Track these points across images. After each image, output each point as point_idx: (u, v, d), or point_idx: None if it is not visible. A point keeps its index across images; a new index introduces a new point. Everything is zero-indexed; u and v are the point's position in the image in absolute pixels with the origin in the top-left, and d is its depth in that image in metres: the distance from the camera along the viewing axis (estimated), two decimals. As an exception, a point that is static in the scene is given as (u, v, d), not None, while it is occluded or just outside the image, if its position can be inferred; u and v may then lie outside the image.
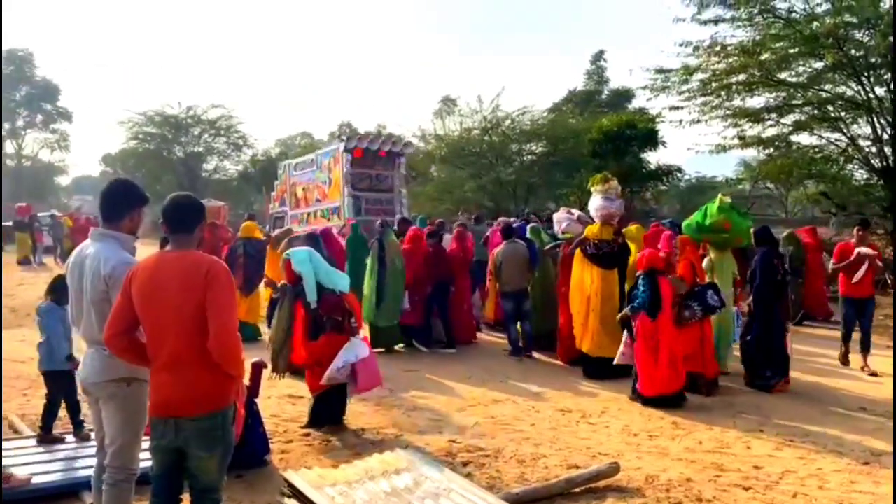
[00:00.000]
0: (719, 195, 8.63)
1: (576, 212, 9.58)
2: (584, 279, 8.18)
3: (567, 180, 23.07)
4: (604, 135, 20.10)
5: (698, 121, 17.40)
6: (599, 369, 7.90)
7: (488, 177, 23.44)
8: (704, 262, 7.95)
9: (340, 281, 5.99)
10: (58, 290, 5.27)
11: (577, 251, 8.29)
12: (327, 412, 6.00)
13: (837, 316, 12.19)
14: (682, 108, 17.47)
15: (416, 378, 8.05)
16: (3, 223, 26.21)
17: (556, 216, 9.75)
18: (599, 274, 8.09)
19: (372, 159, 16.17)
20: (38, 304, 5.71)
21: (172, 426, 3.04)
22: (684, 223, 8.47)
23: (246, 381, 3.78)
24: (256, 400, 5.16)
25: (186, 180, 38.20)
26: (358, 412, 6.37)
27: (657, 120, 20.06)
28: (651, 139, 20.23)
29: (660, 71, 17.53)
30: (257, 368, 5.11)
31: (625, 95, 35.22)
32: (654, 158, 21.44)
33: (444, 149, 24.43)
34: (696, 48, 16.41)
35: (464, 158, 24.10)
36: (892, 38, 13.77)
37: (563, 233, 9.27)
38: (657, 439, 5.86)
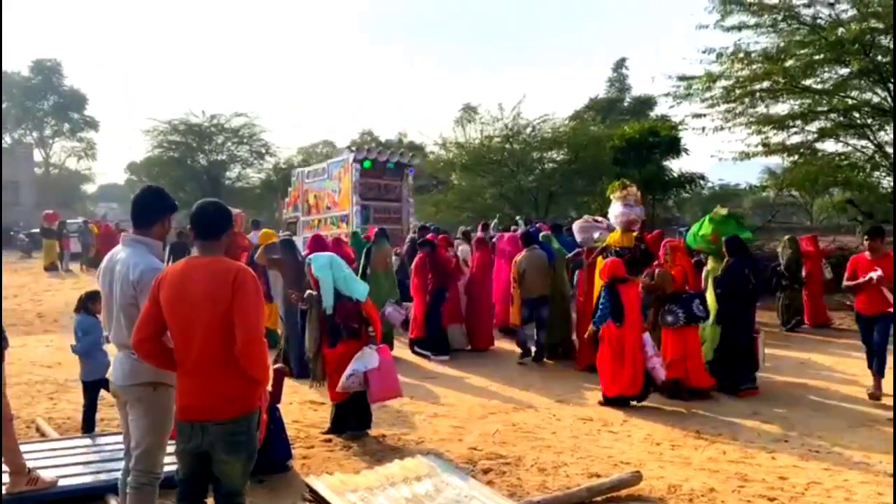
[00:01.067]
0: (717, 207, 8.83)
1: (604, 220, 9.52)
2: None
3: (589, 188, 22.95)
4: (626, 142, 20.00)
5: (721, 128, 17.26)
6: None
7: (509, 185, 23.41)
8: (704, 270, 8.15)
9: (358, 288, 5.99)
10: (93, 299, 5.66)
11: (599, 258, 8.35)
12: (349, 419, 6.03)
13: (838, 324, 12.51)
14: (704, 115, 17.33)
15: (437, 386, 8.06)
16: (32, 230, 26.76)
17: (578, 224, 9.75)
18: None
19: (381, 170, 16.89)
20: (77, 318, 5.97)
21: (199, 430, 3.08)
22: (689, 234, 8.79)
23: (268, 386, 3.81)
24: (279, 405, 5.21)
25: (210, 188, 38.51)
26: (379, 419, 6.39)
27: (680, 127, 19.92)
28: (673, 146, 20.09)
29: (682, 78, 17.43)
30: (279, 374, 5.16)
31: (647, 103, 35.06)
32: (676, 166, 21.28)
33: (465, 157, 24.41)
34: (720, 55, 16.29)
35: (484, 166, 24.06)
36: (892, 38, 13.66)
37: (595, 243, 9.15)
38: (680, 449, 5.82)
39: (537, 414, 6.90)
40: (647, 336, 7.21)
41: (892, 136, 15.71)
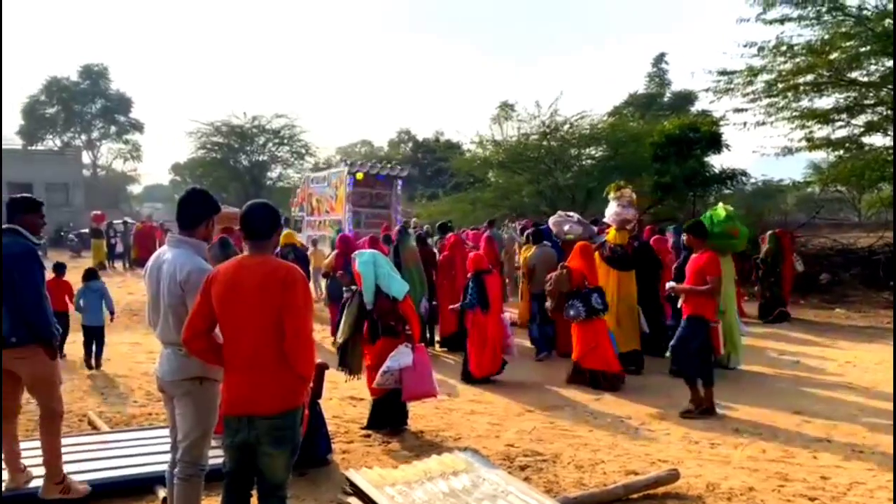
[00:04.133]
0: (720, 204, 9.21)
1: (574, 214, 10.52)
2: (602, 281, 8.60)
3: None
4: (665, 138, 19.76)
5: (764, 123, 17.00)
6: None
7: (546, 182, 23.29)
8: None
9: (396, 286, 6.06)
10: (91, 274, 8.94)
11: (596, 254, 8.82)
12: (387, 415, 6.12)
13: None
14: (746, 110, 17.10)
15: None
16: (81, 231, 27.59)
17: (552, 220, 10.50)
18: (616, 275, 8.78)
19: (372, 181, 19.06)
20: (82, 288, 8.76)
21: (246, 424, 3.17)
22: (685, 227, 8.75)
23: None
24: (319, 401, 5.32)
25: (252, 188, 39.22)
26: (417, 415, 6.48)
27: (721, 123, 19.63)
28: (714, 142, 19.77)
29: (723, 73, 17.20)
30: (320, 370, 5.26)
31: (687, 98, 34.61)
32: (717, 162, 20.92)
33: (502, 154, 24.36)
34: (761, 49, 16.02)
35: (521, 164, 23.98)
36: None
37: (566, 235, 9.96)
38: (719, 447, 5.78)
39: (574, 412, 6.90)
40: (505, 317, 8.27)
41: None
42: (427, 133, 56.17)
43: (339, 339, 6.38)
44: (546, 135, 23.31)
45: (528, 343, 9.87)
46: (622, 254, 8.85)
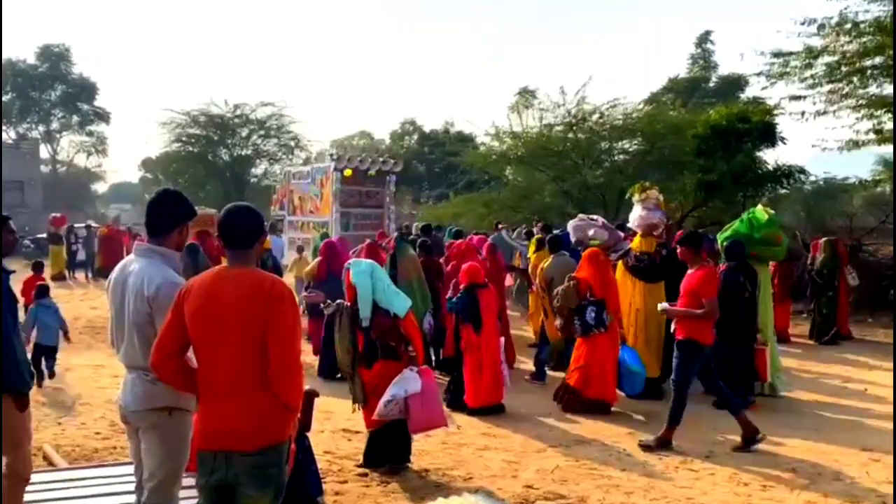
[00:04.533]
0: (759, 206, 9.38)
1: (598, 217, 10.50)
2: (626, 293, 8.81)
3: (667, 184, 22.66)
4: (711, 130, 19.70)
5: (824, 112, 16.91)
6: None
7: (573, 180, 23.22)
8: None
9: (398, 302, 6.05)
10: (42, 292, 9.32)
11: (620, 264, 8.97)
12: (387, 450, 6.11)
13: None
14: (804, 97, 17.02)
15: (488, 413, 8.08)
16: (38, 236, 27.79)
17: (572, 224, 10.41)
18: (642, 288, 8.87)
19: (362, 178, 19.22)
20: (34, 309, 9.09)
21: (223, 461, 3.16)
22: (721, 236, 9.20)
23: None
24: (308, 434, 5.31)
25: (233, 187, 39.35)
26: (421, 450, 6.47)
27: (775, 112, 19.55)
28: (767, 134, 19.69)
29: (777, 54, 17.13)
30: (309, 398, 5.25)
31: (736, 83, 34.51)
32: (771, 157, 20.83)
33: (521, 148, 24.32)
34: (822, 26, 15.95)
35: (544, 159, 23.93)
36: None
37: (591, 241, 9.79)
38: (772, 490, 5.74)
39: (604, 448, 6.88)
40: (501, 341, 8.22)
41: None
42: (435, 124, 56.45)
43: (344, 368, 6.26)
44: (572, 126, 23.28)
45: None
46: (649, 263, 8.89)
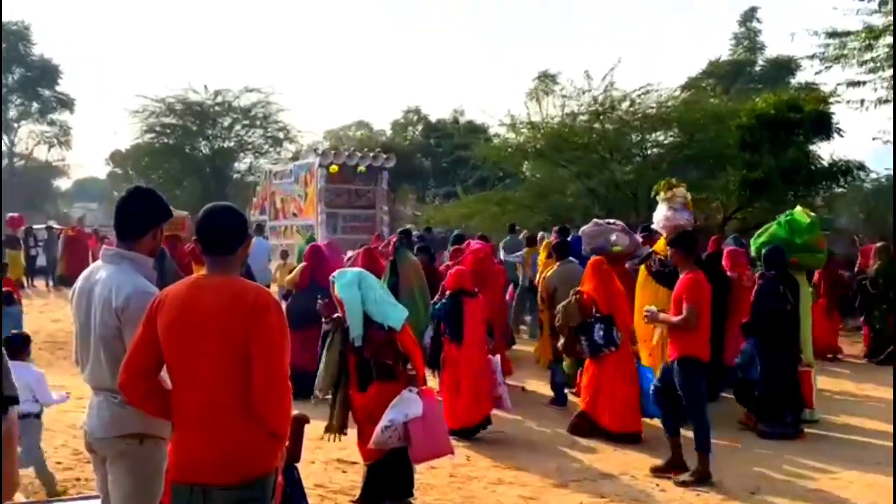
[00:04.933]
0: (797, 208, 9.54)
1: (618, 221, 10.82)
2: (648, 301, 8.70)
3: (706, 181, 22.63)
4: (757, 120, 19.68)
5: (887, 100, 16.89)
6: None
7: (599, 177, 23.19)
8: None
9: (393, 313, 6.01)
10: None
11: (642, 269, 9.17)
12: (387, 483, 6.09)
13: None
14: (864, 83, 17.05)
15: (502, 441, 8.10)
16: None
17: (587, 229, 10.72)
18: (666, 295, 8.65)
19: (351, 175, 19.61)
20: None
21: (200, 495, 3.16)
22: (756, 241, 9.43)
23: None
24: (297, 465, 5.31)
25: (213, 183, 39.41)
26: (426, 484, 6.47)
27: (830, 100, 19.55)
28: (822, 125, 19.66)
29: (833, 34, 17.16)
30: (298, 425, 5.25)
31: (786, 67, 34.47)
32: (826, 151, 20.81)
33: (541, 140, 24.27)
34: (884, 2, 15.97)
35: (566, 153, 23.87)
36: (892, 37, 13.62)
37: (613, 247, 10.06)
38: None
39: (634, 482, 6.87)
40: (496, 360, 8.36)
41: None
42: (442, 113, 56.29)
43: (319, 394, 6.29)
44: (599, 115, 23.25)
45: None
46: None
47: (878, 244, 13.51)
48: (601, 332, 8.08)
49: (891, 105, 16.96)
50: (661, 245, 9.27)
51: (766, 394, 8.34)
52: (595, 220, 11.40)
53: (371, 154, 21.54)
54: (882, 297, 12.83)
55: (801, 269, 9.28)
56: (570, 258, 10.00)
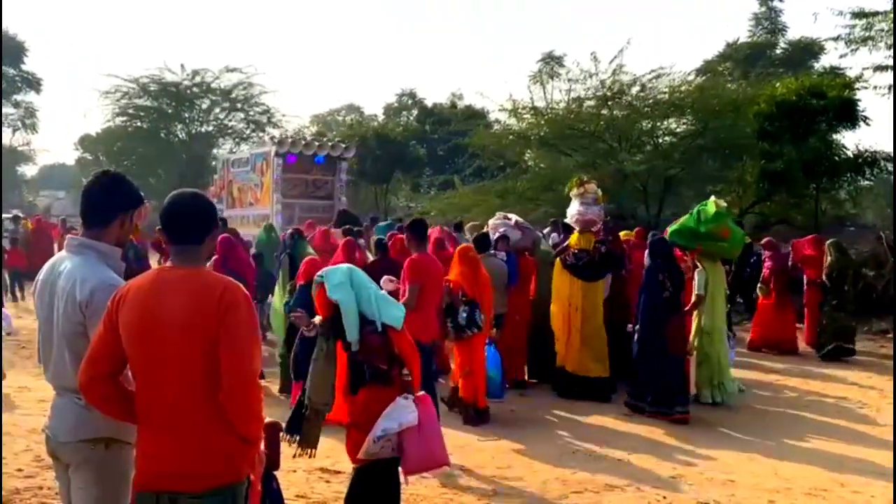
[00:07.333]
0: (711, 198, 10.38)
1: (513, 217, 11.89)
2: (564, 292, 10.29)
3: (722, 172, 22.68)
4: (777, 107, 19.71)
5: (917, 86, 16.90)
6: (575, 389, 10.14)
7: (607, 167, 23.12)
8: (696, 276, 9.86)
9: (388, 311, 5.93)
10: None
11: (557, 261, 10.44)
12: (374, 493, 6.09)
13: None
14: (892, 67, 17.00)
15: (498, 450, 8.11)
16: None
17: (491, 222, 11.84)
18: (581, 287, 10.22)
19: (308, 165, 20.25)
20: None
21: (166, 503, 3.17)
22: (670, 229, 10.37)
23: (262, 446, 3.90)
24: (276, 473, 5.31)
25: (190, 170, 39.32)
26: (416, 495, 6.48)
27: (856, 85, 19.58)
28: (847, 113, 19.70)
29: (859, 14, 17.15)
30: (273, 431, 5.24)
31: (808, 50, 34.50)
32: (851, 141, 20.86)
33: (544, 127, 24.27)
34: (915, -19, 15.97)
35: (571, 141, 23.88)
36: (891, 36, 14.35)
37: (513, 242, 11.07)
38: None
39: (641, 495, 6.89)
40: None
41: None
42: (439, 97, 56.36)
43: (314, 403, 6.20)
44: (607, 100, 23.27)
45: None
46: (587, 260, 10.29)
47: (829, 241, 14.03)
48: (464, 315, 8.80)
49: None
50: (574, 239, 10.60)
51: (642, 378, 9.52)
52: (498, 213, 12.51)
53: (330, 143, 22.19)
54: (835, 292, 13.39)
55: (715, 258, 10.22)
56: (492, 251, 10.53)
